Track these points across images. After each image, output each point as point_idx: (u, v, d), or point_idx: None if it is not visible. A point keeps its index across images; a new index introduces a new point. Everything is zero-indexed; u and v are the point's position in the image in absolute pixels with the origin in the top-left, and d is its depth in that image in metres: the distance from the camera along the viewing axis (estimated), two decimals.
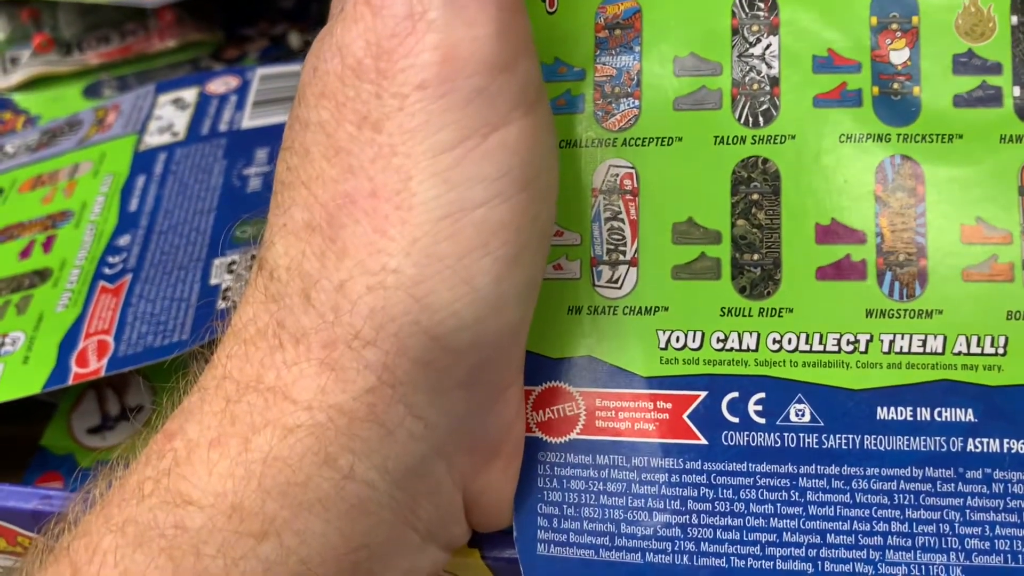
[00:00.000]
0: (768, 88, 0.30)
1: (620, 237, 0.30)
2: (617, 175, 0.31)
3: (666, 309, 0.30)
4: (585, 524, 0.30)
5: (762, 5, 0.30)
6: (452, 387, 0.27)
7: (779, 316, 0.29)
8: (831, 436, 0.29)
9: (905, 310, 0.29)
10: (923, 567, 0.28)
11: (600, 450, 0.30)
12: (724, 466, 0.29)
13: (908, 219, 0.29)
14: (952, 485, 0.28)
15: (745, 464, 0.29)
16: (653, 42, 0.31)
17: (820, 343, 0.29)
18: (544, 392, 0.31)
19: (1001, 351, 0.28)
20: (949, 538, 0.28)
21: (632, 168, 0.30)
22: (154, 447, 0.27)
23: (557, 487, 0.30)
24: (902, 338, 0.29)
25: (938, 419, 0.29)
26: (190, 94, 0.53)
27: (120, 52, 0.63)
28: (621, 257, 0.30)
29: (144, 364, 0.39)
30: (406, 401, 0.26)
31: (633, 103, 0.31)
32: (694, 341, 0.30)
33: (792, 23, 0.30)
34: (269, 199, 0.45)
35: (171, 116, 0.52)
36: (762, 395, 0.29)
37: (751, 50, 0.30)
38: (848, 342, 0.29)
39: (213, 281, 0.42)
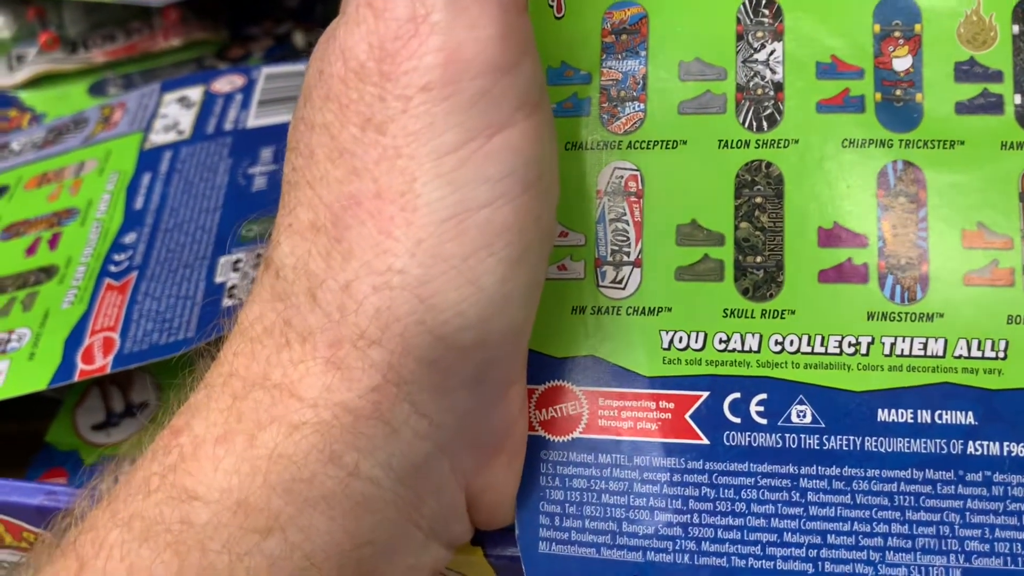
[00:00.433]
0: (772, 93, 0.30)
1: (624, 238, 0.31)
2: (622, 177, 0.31)
3: (669, 310, 0.30)
4: (587, 523, 0.30)
5: (767, 12, 0.31)
6: (456, 386, 0.27)
7: (781, 318, 0.30)
8: (832, 437, 0.29)
9: (906, 313, 0.29)
10: (923, 568, 0.28)
11: (602, 449, 0.30)
12: (726, 466, 0.30)
13: (910, 223, 0.29)
14: (952, 487, 0.29)
15: (746, 464, 0.30)
16: (659, 47, 0.31)
17: (822, 345, 0.29)
18: (547, 391, 0.31)
19: (1002, 355, 0.28)
20: (949, 540, 0.28)
21: (637, 170, 0.31)
22: (160, 443, 0.27)
23: (559, 486, 0.31)
24: (903, 341, 0.29)
25: (938, 422, 0.29)
26: (196, 92, 0.54)
27: (125, 50, 0.63)
28: (625, 258, 0.31)
29: (149, 361, 0.39)
30: (411, 399, 0.26)
31: (638, 107, 0.31)
32: (697, 342, 0.30)
33: (796, 29, 0.30)
34: (274, 198, 0.46)
35: (177, 114, 0.52)
36: (764, 396, 0.30)
37: (755, 56, 0.31)
38: (849, 344, 0.29)
39: (219, 279, 0.42)
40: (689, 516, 0.30)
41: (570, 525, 0.31)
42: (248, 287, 0.41)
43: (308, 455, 0.26)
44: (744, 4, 0.31)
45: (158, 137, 0.51)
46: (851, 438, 0.29)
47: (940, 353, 0.29)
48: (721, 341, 0.30)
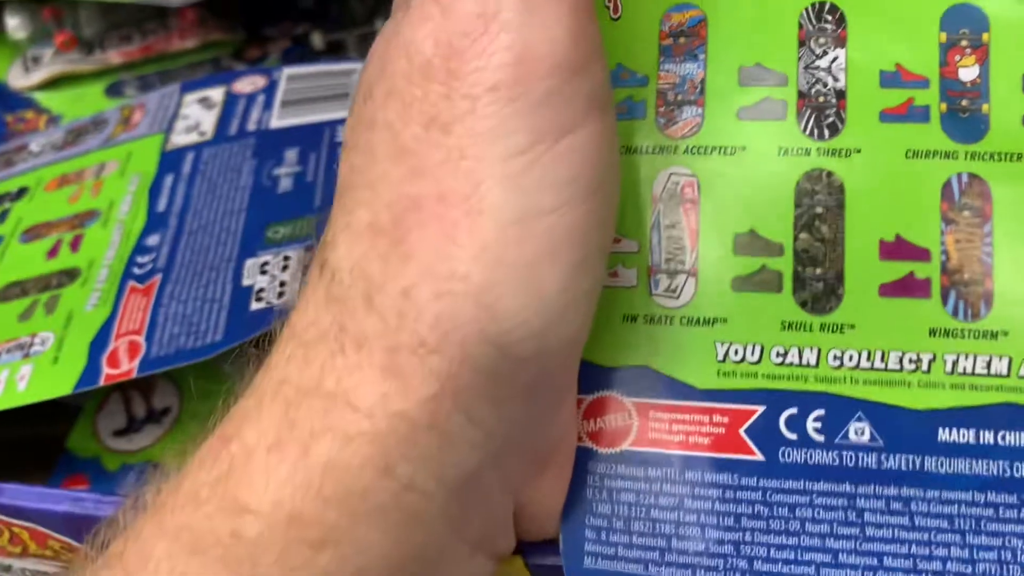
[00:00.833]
0: (834, 101, 0.30)
1: (679, 246, 0.30)
2: (678, 183, 0.30)
3: (725, 321, 0.30)
4: (634, 538, 0.30)
5: (830, 18, 0.30)
6: (512, 396, 0.26)
7: (841, 332, 0.29)
8: (891, 456, 0.29)
9: (970, 330, 0.28)
10: None
11: (652, 462, 0.30)
12: (780, 483, 0.29)
13: (974, 238, 0.29)
14: (1015, 511, 0.28)
15: (802, 482, 0.29)
16: (718, 51, 0.30)
17: (882, 361, 0.29)
18: (596, 401, 0.30)
19: None
20: (1011, 566, 0.28)
21: (693, 176, 0.30)
22: (209, 451, 0.26)
23: (606, 499, 0.30)
24: (966, 359, 0.28)
25: (1002, 443, 0.28)
26: (217, 93, 0.53)
27: (141, 51, 0.63)
28: (680, 266, 0.30)
29: (176, 365, 0.39)
30: (466, 410, 0.26)
31: (696, 111, 0.30)
32: (753, 354, 0.29)
33: (860, 37, 0.30)
34: (300, 199, 0.45)
35: (198, 115, 0.52)
36: (821, 412, 0.29)
37: (817, 62, 0.30)
38: (910, 361, 0.29)
39: (246, 282, 0.41)
40: (741, 534, 0.29)
41: (617, 540, 0.30)
42: (278, 289, 0.40)
43: (363, 467, 0.25)
44: (807, 9, 0.30)
45: (180, 138, 0.50)
46: (911, 457, 0.28)
47: (1004, 372, 0.28)
48: (778, 354, 0.29)
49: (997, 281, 0.28)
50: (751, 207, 0.30)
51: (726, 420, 0.29)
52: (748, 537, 0.29)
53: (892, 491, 0.28)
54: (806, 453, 0.29)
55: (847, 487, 0.29)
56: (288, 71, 0.54)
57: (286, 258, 0.42)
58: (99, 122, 0.54)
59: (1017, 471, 0.28)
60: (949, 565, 0.28)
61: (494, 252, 0.25)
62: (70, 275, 0.44)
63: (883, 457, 0.29)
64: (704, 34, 0.30)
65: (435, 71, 0.25)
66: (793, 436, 0.29)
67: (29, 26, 0.63)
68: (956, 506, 0.28)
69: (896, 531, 0.28)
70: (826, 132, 0.30)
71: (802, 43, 0.30)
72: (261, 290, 0.41)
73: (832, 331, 0.29)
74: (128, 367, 0.39)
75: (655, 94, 0.31)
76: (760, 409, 0.29)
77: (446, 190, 0.25)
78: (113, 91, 0.61)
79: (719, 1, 0.30)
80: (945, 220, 0.29)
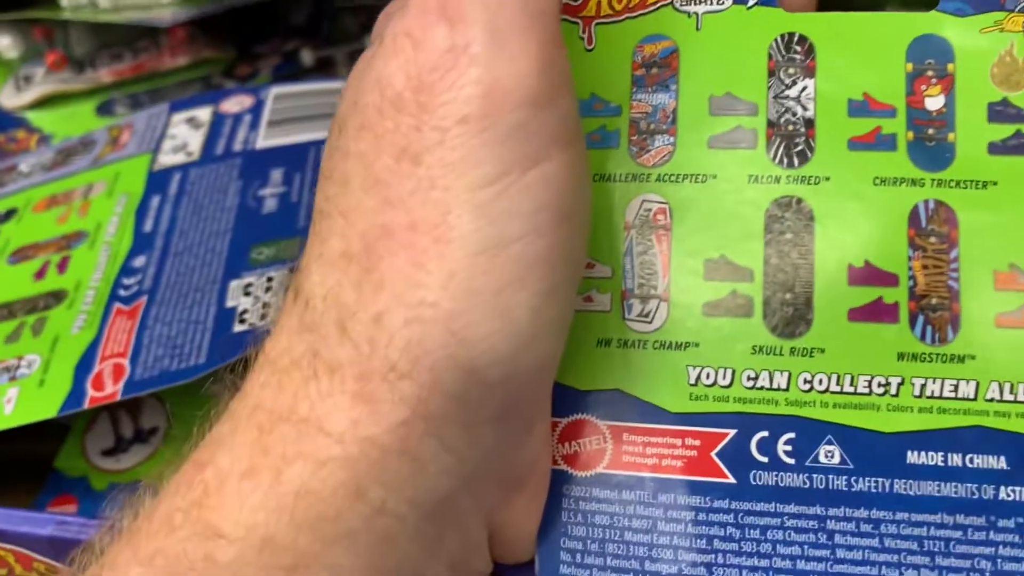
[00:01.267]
0: (803, 130, 0.30)
1: (651, 272, 0.30)
2: (650, 210, 0.31)
3: (697, 345, 0.30)
4: (609, 560, 0.30)
5: (799, 48, 0.30)
6: (483, 421, 0.27)
7: (810, 356, 0.29)
8: (861, 479, 0.29)
9: (937, 354, 0.29)
10: None
11: (626, 485, 0.30)
12: (752, 506, 0.29)
13: (941, 263, 0.29)
14: (984, 533, 0.28)
15: (773, 504, 0.29)
16: (689, 81, 0.31)
17: (851, 385, 0.29)
18: (571, 425, 0.31)
19: None
20: None
21: (665, 203, 0.30)
22: (184, 477, 0.26)
23: (581, 521, 0.30)
24: (934, 382, 0.29)
25: (970, 465, 0.28)
26: (204, 113, 0.53)
27: (132, 70, 0.63)
28: (652, 292, 0.30)
29: (160, 388, 0.39)
30: (438, 434, 0.26)
31: (668, 140, 0.31)
32: (724, 378, 0.30)
33: (828, 67, 0.30)
34: (284, 220, 0.45)
35: (185, 135, 0.52)
36: (792, 435, 0.29)
37: (787, 92, 0.30)
38: (879, 384, 0.29)
39: (229, 303, 0.42)
40: (714, 556, 0.29)
41: (591, 562, 0.30)
42: (260, 311, 0.41)
43: (335, 492, 0.25)
44: (776, 40, 0.31)
45: (167, 158, 0.51)
46: (880, 480, 0.29)
47: (972, 396, 0.29)
48: (749, 378, 0.30)
49: (964, 306, 0.29)
50: (722, 233, 0.30)
51: (698, 443, 0.30)
52: (720, 559, 0.29)
53: (862, 513, 0.29)
54: (777, 476, 0.29)
55: (818, 509, 0.29)
56: (275, 90, 0.54)
57: (269, 279, 0.42)
58: (88, 142, 0.54)
59: (985, 493, 0.28)
60: None
61: (463, 279, 0.25)
62: (57, 297, 0.44)
63: (853, 480, 0.29)
64: (676, 65, 0.31)
65: (406, 104, 0.25)
66: (764, 459, 0.29)
67: (21, 45, 0.64)
68: (925, 528, 0.28)
69: (866, 553, 0.29)
70: (795, 160, 0.30)
71: (772, 73, 0.30)
72: (244, 311, 0.41)
73: (802, 355, 0.29)
74: (112, 389, 0.39)
75: (628, 123, 0.31)
76: (731, 432, 0.30)
77: (416, 219, 0.25)
78: (104, 110, 0.61)
79: (690, 33, 0.31)
80: (912, 246, 0.29)
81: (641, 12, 0.31)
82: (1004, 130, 0.29)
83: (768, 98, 0.30)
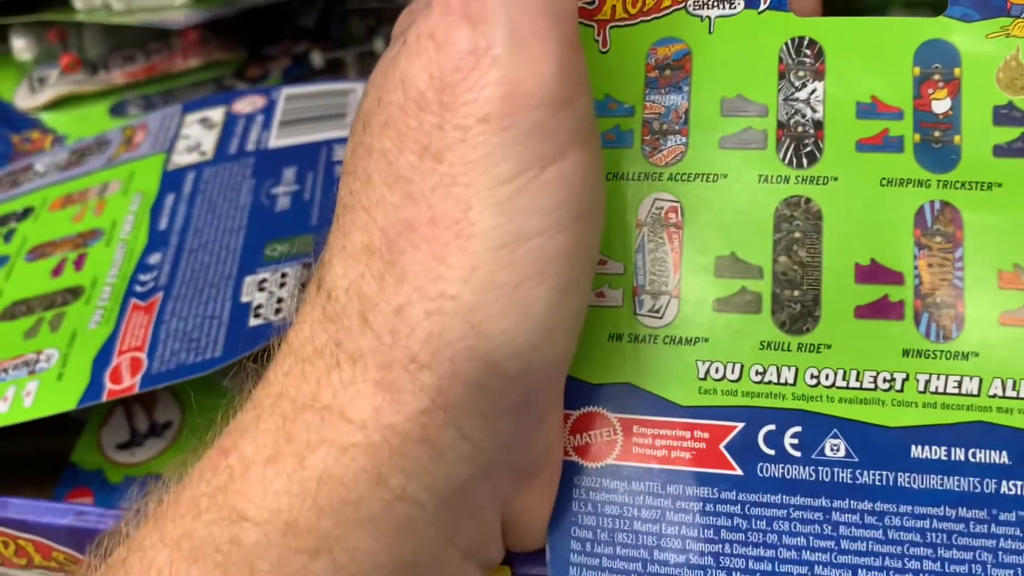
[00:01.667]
0: (812, 131, 0.31)
1: (663, 268, 0.31)
2: (662, 208, 0.31)
3: (706, 340, 0.31)
4: (618, 549, 0.31)
5: (809, 52, 0.31)
6: (500, 411, 0.27)
7: (817, 352, 0.30)
8: (865, 472, 0.30)
9: (941, 351, 0.30)
10: None
11: (636, 476, 0.31)
12: (759, 497, 0.30)
13: (946, 263, 0.30)
14: (985, 527, 0.29)
15: (779, 496, 0.30)
16: (701, 83, 0.32)
17: (857, 380, 0.30)
18: (582, 417, 0.31)
19: None
20: None
21: (677, 202, 0.31)
22: (209, 463, 0.27)
23: (592, 511, 0.31)
24: (938, 379, 0.30)
25: (972, 460, 0.29)
26: (217, 113, 0.54)
27: (145, 71, 0.64)
28: (663, 288, 0.31)
29: (177, 381, 0.40)
30: (457, 424, 0.27)
31: (680, 140, 0.31)
32: (733, 373, 0.30)
33: (837, 70, 0.31)
34: (297, 217, 0.46)
35: (198, 135, 0.53)
36: (798, 429, 0.30)
37: (797, 94, 0.31)
38: (884, 380, 0.30)
39: (244, 299, 0.42)
40: (721, 546, 0.30)
41: (601, 551, 0.31)
42: (275, 306, 0.41)
43: (357, 477, 0.26)
44: (787, 43, 0.31)
45: (181, 158, 0.51)
46: (884, 473, 0.30)
47: (975, 392, 0.29)
48: (757, 373, 0.30)
49: (968, 304, 0.30)
50: (732, 232, 0.31)
51: (707, 436, 0.30)
52: (727, 549, 0.30)
53: (866, 506, 0.29)
54: (783, 468, 0.30)
55: (823, 501, 0.30)
56: (287, 91, 0.55)
57: (283, 275, 0.43)
58: (102, 142, 0.55)
59: (987, 487, 0.29)
60: None
61: (483, 274, 0.26)
62: (74, 293, 0.45)
63: (858, 473, 0.30)
64: (688, 67, 0.32)
65: (429, 103, 0.26)
66: (771, 452, 0.30)
67: (35, 48, 0.64)
68: (928, 521, 0.29)
69: (870, 544, 0.29)
70: (804, 161, 0.31)
71: (782, 76, 0.31)
72: (259, 306, 0.42)
73: (809, 351, 0.30)
74: (130, 383, 0.40)
75: (641, 124, 0.32)
76: (739, 426, 0.30)
77: (438, 214, 0.26)
78: (117, 111, 0.62)
79: (703, 36, 0.32)
80: (918, 245, 0.30)
81: (655, 16, 0.32)
82: (1009, 133, 0.30)
83: (778, 100, 0.31)
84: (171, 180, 0.50)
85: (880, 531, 0.29)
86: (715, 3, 0.32)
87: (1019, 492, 0.29)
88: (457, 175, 0.26)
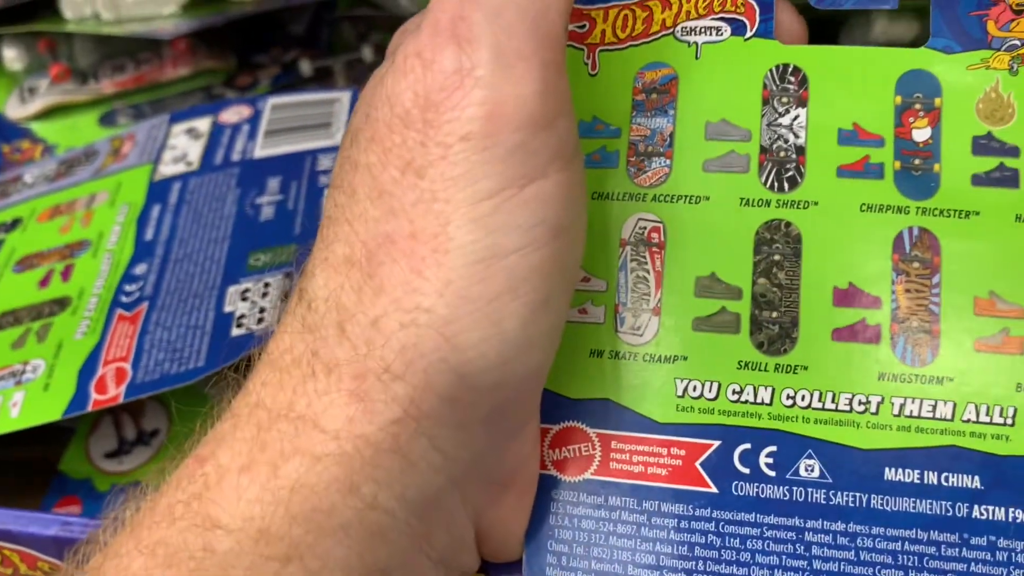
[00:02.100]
0: (794, 156, 0.31)
1: (644, 287, 0.31)
2: (645, 228, 0.32)
3: (685, 359, 0.31)
4: (594, 563, 0.31)
5: (792, 79, 0.32)
6: (473, 423, 0.28)
7: (794, 373, 0.30)
8: (839, 493, 0.30)
9: (916, 375, 0.30)
10: None
11: (612, 491, 0.31)
12: (733, 515, 0.30)
13: (923, 288, 0.30)
14: (956, 550, 0.29)
15: (753, 515, 0.30)
16: (687, 107, 0.32)
17: (832, 402, 0.30)
18: (561, 431, 0.32)
19: (1010, 421, 0.29)
20: None
21: (660, 222, 0.32)
22: (185, 471, 0.27)
23: (568, 525, 0.31)
24: (912, 402, 0.30)
25: (945, 484, 0.29)
26: (203, 123, 0.54)
27: (134, 81, 0.64)
28: (644, 306, 0.31)
29: (161, 390, 0.40)
30: (429, 434, 0.27)
31: (665, 162, 0.32)
32: (710, 391, 0.31)
33: (821, 97, 0.31)
34: (281, 227, 0.46)
35: (185, 146, 0.53)
36: (773, 448, 0.30)
37: (780, 120, 0.32)
38: (860, 403, 0.30)
39: (227, 308, 0.43)
40: (694, 563, 0.30)
41: (577, 565, 0.31)
42: (257, 316, 0.42)
43: (329, 486, 0.26)
44: (771, 70, 0.32)
45: (167, 168, 0.51)
46: (857, 495, 0.30)
47: (949, 416, 0.30)
48: (734, 392, 0.31)
49: (944, 330, 0.30)
50: (713, 253, 0.31)
51: (683, 453, 0.31)
52: (700, 566, 0.30)
53: (839, 526, 0.30)
54: (758, 487, 0.30)
55: (796, 521, 0.30)
56: (273, 101, 0.55)
57: (266, 285, 0.43)
58: (90, 153, 0.55)
59: (959, 511, 0.29)
60: None
61: (458, 287, 0.26)
62: (61, 304, 0.45)
63: (831, 493, 0.30)
64: (674, 91, 0.32)
65: (413, 120, 0.27)
66: (746, 470, 0.30)
67: (25, 58, 0.64)
68: (900, 543, 0.29)
69: (842, 565, 0.30)
70: (786, 185, 0.31)
71: (766, 102, 0.32)
72: (242, 316, 0.42)
73: (786, 372, 0.30)
74: (115, 392, 0.40)
75: (627, 145, 0.32)
76: (716, 443, 0.31)
77: (417, 228, 0.26)
78: (106, 120, 0.62)
79: (690, 61, 0.32)
80: (896, 270, 0.30)
81: (643, 40, 0.32)
82: (988, 163, 0.30)
83: (761, 125, 0.32)
84: (157, 191, 0.50)
85: (852, 552, 0.30)
86: (702, 30, 0.32)
87: (990, 516, 0.29)
88: (438, 191, 0.26)
